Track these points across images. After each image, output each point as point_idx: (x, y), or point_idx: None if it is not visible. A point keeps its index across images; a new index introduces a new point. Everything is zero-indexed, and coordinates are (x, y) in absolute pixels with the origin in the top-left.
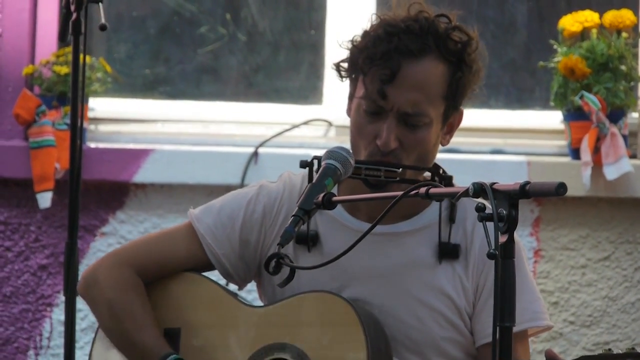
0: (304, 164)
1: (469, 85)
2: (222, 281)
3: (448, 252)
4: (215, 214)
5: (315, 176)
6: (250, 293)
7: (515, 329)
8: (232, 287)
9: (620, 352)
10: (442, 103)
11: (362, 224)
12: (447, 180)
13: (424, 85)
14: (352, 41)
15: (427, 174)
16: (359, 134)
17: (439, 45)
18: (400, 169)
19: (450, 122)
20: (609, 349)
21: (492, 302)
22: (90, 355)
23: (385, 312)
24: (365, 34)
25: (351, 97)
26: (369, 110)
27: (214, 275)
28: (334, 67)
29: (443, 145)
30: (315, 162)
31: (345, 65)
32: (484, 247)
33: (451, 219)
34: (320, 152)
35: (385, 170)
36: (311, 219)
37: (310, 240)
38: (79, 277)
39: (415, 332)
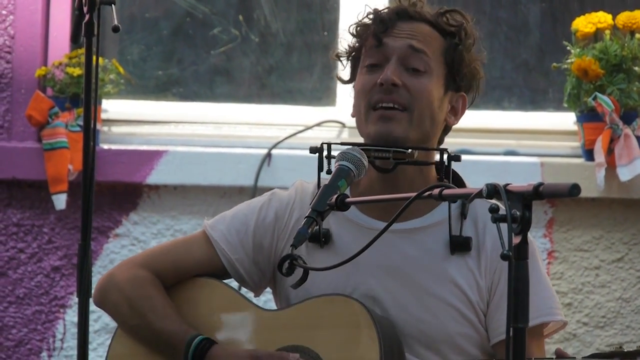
0: (313, 150)
1: (467, 61)
2: (237, 285)
3: (459, 244)
4: (229, 221)
5: (329, 177)
6: (265, 294)
7: (531, 323)
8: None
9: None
10: (443, 65)
11: (374, 222)
12: (456, 159)
13: (423, 37)
14: (348, 31)
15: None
16: (360, 91)
17: (433, 19)
18: (410, 150)
19: (454, 106)
20: (620, 347)
21: (506, 301)
22: (107, 357)
23: (399, 308)
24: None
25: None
26: (370, 63)
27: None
28: (336, 57)
29: (449, 124)
30: (325, 146)
31: (346, 59)
32: (496, 246)
33: (463, 215)
34: (332, 154)
35: (394, 152)
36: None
37: (322, 238)
38: (94, 287)
39: (430, 328)
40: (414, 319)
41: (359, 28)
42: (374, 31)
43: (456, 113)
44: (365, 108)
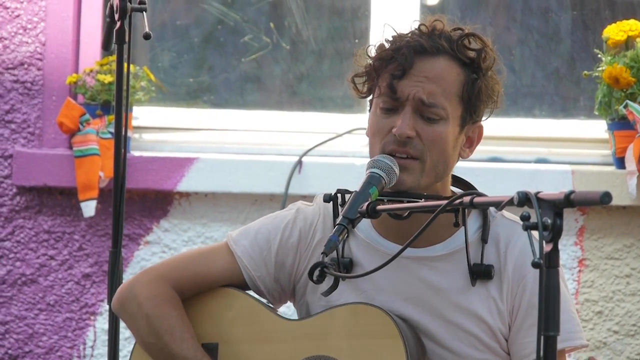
0: (327, 198)
1: (485, 91)
2: None
3: (481, 273)
4: (252, 237)
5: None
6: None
7: None
8: None
9: None
10: (459, 104)
11: (397, 247)
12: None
13: (439, 79)
14: (365, 51)
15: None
16: (375, 132)
17: (453, 48)
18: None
19: (470, 136)
20: None
21: (528, 323)
22: None
23: (420, 332)
24: (378, 44)
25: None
26: (385, 107)
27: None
28: (350, 81)
29: (463, 157)
30: (339, 196)
31: (362, 79)
32: (517, 269)
33: (483, 239)
34: (363, 161)
35: (408, 201)
36: (345, 245)
37: (344, 267)
38: (115, 293)
39: (451, 356)
40: (436, 346)
41: (376, 62)
42: (390, 77)
43: (472, 144)
44: (380, 152)
